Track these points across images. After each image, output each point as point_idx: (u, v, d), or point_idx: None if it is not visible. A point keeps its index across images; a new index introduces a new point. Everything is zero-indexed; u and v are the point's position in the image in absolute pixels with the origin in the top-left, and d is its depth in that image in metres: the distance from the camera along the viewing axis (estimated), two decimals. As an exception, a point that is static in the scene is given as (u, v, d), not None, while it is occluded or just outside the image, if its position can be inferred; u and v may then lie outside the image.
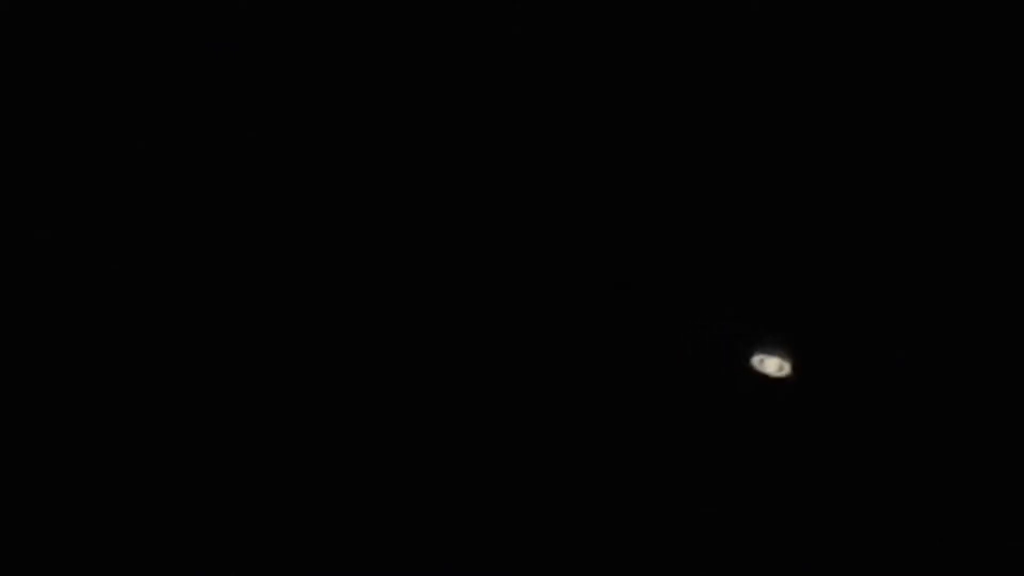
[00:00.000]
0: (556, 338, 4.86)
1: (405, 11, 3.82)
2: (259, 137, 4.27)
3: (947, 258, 4.36)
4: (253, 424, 5.11)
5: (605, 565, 5.33)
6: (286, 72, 4.07)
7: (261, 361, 4.97)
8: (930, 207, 4.20)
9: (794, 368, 4.77)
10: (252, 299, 4.81)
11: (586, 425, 5.10)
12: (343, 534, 5.28)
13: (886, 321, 4.62)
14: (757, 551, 5.32)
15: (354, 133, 4.27)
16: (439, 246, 4.60)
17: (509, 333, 4.86)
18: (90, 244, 4.57)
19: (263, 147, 4.31)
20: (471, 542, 5.31)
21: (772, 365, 4.78)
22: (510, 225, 4.51)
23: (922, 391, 4.80)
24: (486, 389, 5.04)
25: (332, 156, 4.35)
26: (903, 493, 5.11)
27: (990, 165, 4.04)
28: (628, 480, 5.22)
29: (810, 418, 4.97)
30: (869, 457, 5.03)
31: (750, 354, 4.75)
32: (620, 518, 5.29)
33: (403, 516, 5.28)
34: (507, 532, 5.29)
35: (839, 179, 4.18)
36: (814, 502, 5.21)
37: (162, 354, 4.91)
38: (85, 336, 4.84)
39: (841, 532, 5.25)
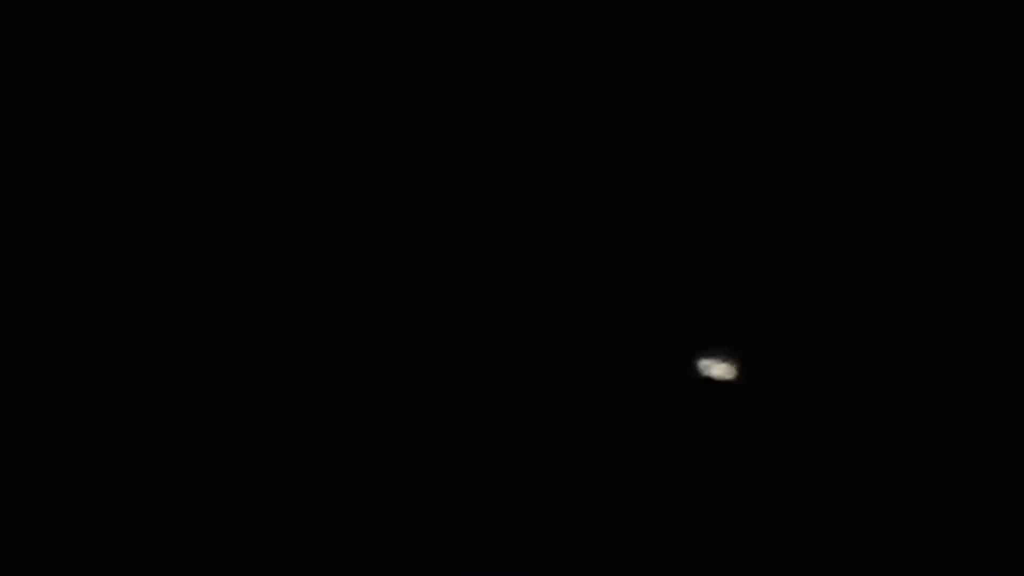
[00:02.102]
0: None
1: (403, 10, 3.82)
2: (256, 136, 4.26)
3: (896, 259, 4.43)
4: (251, 423, 4.99)
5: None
6: (284, 71, 4.08)
7: (260, 360, 4.88)
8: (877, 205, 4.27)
9: (740, 372, 4.76)
10: (250, 298, 4.75)
11: (543, 436, 5.02)
12: (343, 534, 5.10)
13: (833, 324, 4.61)
14: (725, 558, 5.17)
15: (352, 132, 4.26)
16: (453, 251, 4.57)
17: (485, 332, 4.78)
18: (89, 243, 4.55)
19: (260, 146, 4.30)
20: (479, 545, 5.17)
21: (720, 370, 4.78)
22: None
23: (869, 393, 4.80)
24: (445, 394, 4.95)
25: (330, 155, 4.35)
26: (868, 495, 5.02)
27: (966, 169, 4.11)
28: (588, 489, 5.10)
29: (759, 422, 4.92)
30: (824, 460, 4.96)
31: (697, 360, 4.76)
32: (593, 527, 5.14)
33: (403, 516, 5.12)
34: (511, 536, 5.15)
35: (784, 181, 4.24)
36: (775, 506, 5.08)
37: (161, 353, 4.83)
38: (84, 336, 4.78)
39: (806, 535, 5.10)
